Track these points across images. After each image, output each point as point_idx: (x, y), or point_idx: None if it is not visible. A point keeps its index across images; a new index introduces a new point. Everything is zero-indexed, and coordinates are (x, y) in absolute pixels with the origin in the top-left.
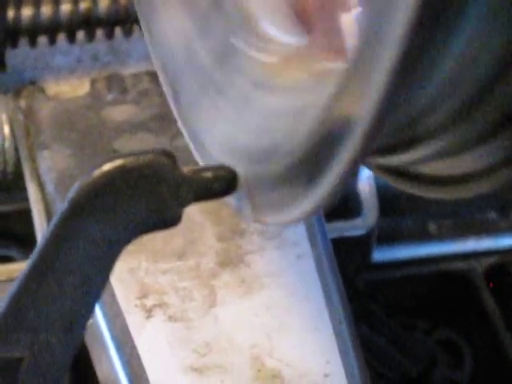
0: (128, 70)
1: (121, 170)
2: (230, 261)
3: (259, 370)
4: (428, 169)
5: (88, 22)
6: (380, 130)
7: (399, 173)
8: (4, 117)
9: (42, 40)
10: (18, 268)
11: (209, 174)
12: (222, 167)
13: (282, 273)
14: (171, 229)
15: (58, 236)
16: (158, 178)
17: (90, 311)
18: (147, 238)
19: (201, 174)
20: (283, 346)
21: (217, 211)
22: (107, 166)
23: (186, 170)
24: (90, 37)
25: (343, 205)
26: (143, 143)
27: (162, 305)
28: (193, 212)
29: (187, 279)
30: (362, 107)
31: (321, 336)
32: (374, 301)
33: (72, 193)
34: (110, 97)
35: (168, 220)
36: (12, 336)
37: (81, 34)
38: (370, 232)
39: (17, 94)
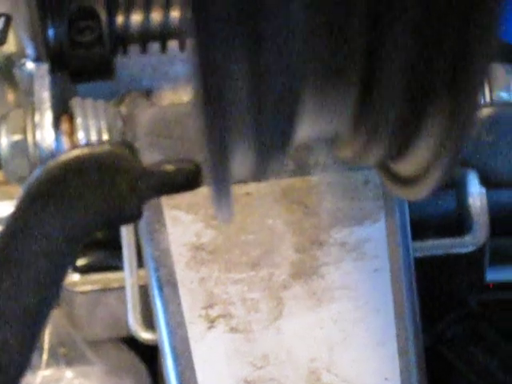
0: None
1: (76, 161)
2: (303, 272)
3: None
4: (398, 169)
5: None
6: None
7: (385, 171)
8: (103, 123)
9: (155, 47)
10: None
11: (171, 167)
12: (185, 160)
13: (356, 286)
14: (129, 224)
15: (13, 228)
16: (115, 170)
17: (48, 309)
18: (224, 247)
19: (162, 167)
20: (343, 361)
21: (299, 221)
22: (62, 157)
23: (146, 162)
24: None
25: (453, 221)
26: None
27: (226, 315)
28: (274, 222)
29: (257, 290)
30: None
31: (384, 352)
32: (487, 322)
33: (27, 185)
34: None
35: (127, 214)
36: None
37: None
38: (482, 250)
39: (120, 100)
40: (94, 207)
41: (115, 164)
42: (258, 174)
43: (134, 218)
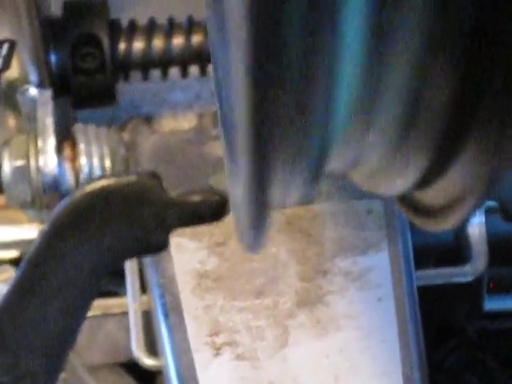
0: None
1: (102, 191)
2: (308, 301)
3: None
4: (423, 199)
5: (200, 56)
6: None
7: (406, 202)
8: (106, 149)
9: (157, 75)
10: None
11: (197, 198)
12: (211, 191)
13: (360, 315)
14: (156, 255)
15: (39, 258)
16: (141, 201)
17: (72, 338)
18: (228, 275)
19: (188, 198)
20: None
21: (303, 250)
22: (89, 188)
23: (172, 193)
24: (204, 71)
25: (452, 250)
26: None
27: (231, 343)
28: (278, 250)
29: (262, 318)
30: None
31: (389, 381)
32: (485, 351)
33: (53, 214)
34: (214, 132)
35: (153, 245)
36: None
37: (195, 69)
38: (480, 279)
39: (122, 127)
40: (120, 238)
41: (141, 195)
42: (292, 201)
43: (159, 248)
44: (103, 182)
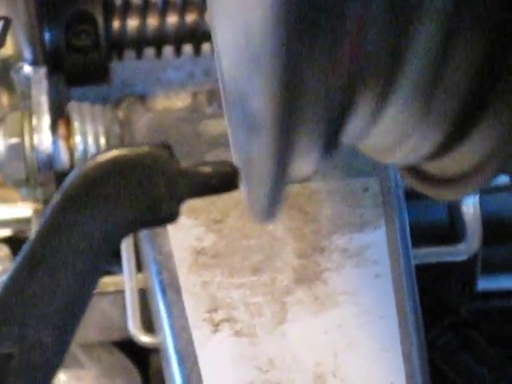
0: None
1: (114, 161)
2: (306, 278)
3: None
4: (433, 168)
5: (194, 35)
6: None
7: (413, 171)
8: (101, 128)
9: (150, 53)
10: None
11: (208, 169)
12: (222, 162)
13: (358, 291)
14: (167, 225)
15: (50, 228)
16: (153, 171)
17: (82, 309)
18: (226, 252)
19: (199, 169)
20: (348, 365)
21: (300, 228)
22: (100, 158)
23: (184, 163)
24: (198, 51)
25: (446, 229)
26: None
27: (230, 319)
28: (275, 228)
29: (260, 295)
30: None
31: (388, 357)
32: (478, 330)
33: (65, 184)
34: (209, 110)
35: (164, 215)
36: (0, 330)
37: (189, 48)
38: (474, 258)
39: (116, 105)
40: (131, 208)
41: (153, 165)
42: (306, 174)
43: (171, 218)
44: (115, 152)
